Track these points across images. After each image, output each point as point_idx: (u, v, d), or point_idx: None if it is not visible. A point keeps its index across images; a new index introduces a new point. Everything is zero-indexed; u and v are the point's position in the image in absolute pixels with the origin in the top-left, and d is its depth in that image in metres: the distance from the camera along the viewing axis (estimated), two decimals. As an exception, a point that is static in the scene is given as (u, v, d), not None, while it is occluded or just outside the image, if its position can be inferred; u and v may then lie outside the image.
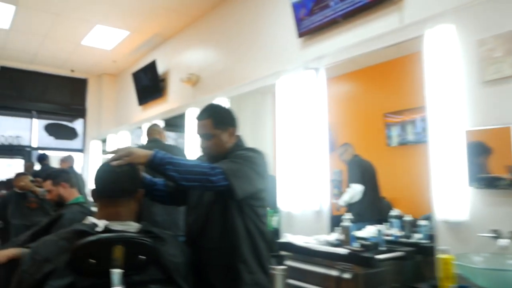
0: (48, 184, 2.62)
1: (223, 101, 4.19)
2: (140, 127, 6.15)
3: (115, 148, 1.43)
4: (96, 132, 7.83)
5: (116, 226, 1.33)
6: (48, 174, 2.70)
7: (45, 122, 7.77)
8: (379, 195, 3.41)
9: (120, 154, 1.41)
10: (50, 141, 7.75)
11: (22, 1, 4.92)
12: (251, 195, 1.59)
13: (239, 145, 1.75)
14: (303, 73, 3.21)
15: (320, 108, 3.11)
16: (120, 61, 7.14)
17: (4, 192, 5.97)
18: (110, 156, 1.42)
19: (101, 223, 1.31)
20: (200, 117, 1.71)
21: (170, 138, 5.72)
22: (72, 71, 7.66)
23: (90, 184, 6.48)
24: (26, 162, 6.93)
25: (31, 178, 4.52)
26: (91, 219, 1.36)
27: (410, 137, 3.39)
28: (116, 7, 5.11)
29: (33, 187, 4.33)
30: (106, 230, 1.30)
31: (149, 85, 6.19)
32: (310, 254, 2.43)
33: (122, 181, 1.39)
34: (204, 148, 1.70)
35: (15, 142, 7.54)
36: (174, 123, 5.42)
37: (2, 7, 5.06)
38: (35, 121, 7.68)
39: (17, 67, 7.24)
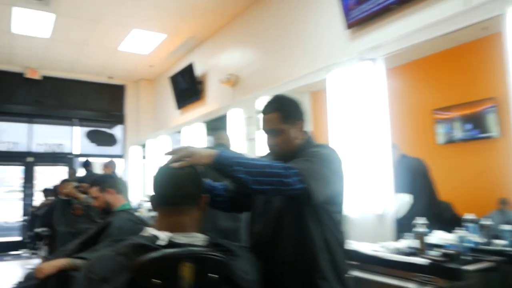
0: (94, 190, 2.48)
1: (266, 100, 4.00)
2: (179, 131, 6.05)
3: (174, 148, 1.24)
4: (135, 137, 7.83)
5: (181, 238, 1.13)
6: (94, 180, 2.57)
7: (85, 129, 7.87)
8: (436, 197, 3.10)
9: (181, 154, 1.22)
10: (91, 147, 7.82)
11: (61, 9, 4.93)
12: (329, 199, 1.36)
13: (309, 142, 1.53)
14: (358, 65, 2.96)
15: (380, 100, 2.85)
16: (157, 66, 7.10)
17: (50, 199, 6.02)
18: (169, 157, 1.23)
19: (164, 235, 1.12)
20: (266, 111, 1.49)
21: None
22: (110, 77, 7.71)
23: (132, 190, 6.45)
24: (69, 169, 7.00)
25: (75, 184, 4.48)
26: (151, 230, 1.17)
27: (460, 134, 3.24)
28: (152, 10, 5.03)
29: (76, 194, 4.27)
30: (170, 243, 1.11)
31: (187, 88, 6.09)
32: (381, 263, 2.18)
33: (184, 186, 1.19)
34: (271, 146, 1.49)
35: (57, 150, 7.66)
36: (214, 126, 5.28)
37: (43, 16, 5.09)
38: (76, 128, 7.77)
39: (58, 76, 7.36)
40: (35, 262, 5.94)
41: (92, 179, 2.63)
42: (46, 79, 7.23)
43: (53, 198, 5.85)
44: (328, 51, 3.58)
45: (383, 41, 2.95)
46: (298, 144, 1.48)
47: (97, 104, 7.85)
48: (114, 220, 2.34)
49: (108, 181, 2.50)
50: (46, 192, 6.61)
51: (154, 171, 1.27)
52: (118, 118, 7.96)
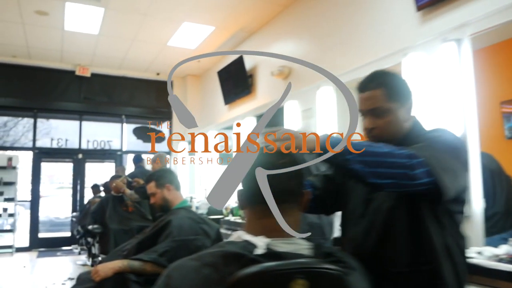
0: (151, 186, 2.31)
1: (331, 91, 3.72)
2: (228, 127, 5.87)
3: (270, 130, 0.98)
4: (182, 134, 7.73)
5: (282, 246, 0.89)
6: (151, 174, 2.40)
7: (133, 126, 7.87)
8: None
9: (278, 138, 0.97)
10: (139, 144, 7.83)
11: (111, 3, 4.85)
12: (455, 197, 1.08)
13: (418, 126, 1.25)
14: (440, 48, 2.61)
15: (466, 86, 2.49)
16: (204, 61, 6.95)
17: (99, 196, 6.02)
18: (264, 141, 0.98)
19: (261, 242, 0.88)
20: (366, 87, 1.21)
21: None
22: (158, 74, 7.67)
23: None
24: (117, 165, 7.02)
25: (129, 179, 4.38)
26: (242, 235, 0.93)
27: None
28: (202, 2, 4.86)
29: (124, 187, 4.16)
30: (270, 252, 0.87)
31: (236, 82, 5.88)
32: (480, 273, 1.85)
33: (286, 179, 0.92)
34: (370, 130, 1.21)
35: (106, 147, 7.72)
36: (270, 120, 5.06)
37: (91, 11, 5.04)
38: (125, 125, 7.80)
39: (107, 73, 7.38)
40: (85, 258, 5.99)
41: (150, 174, 2.45)
42: (95, 76, 7.27)
43: (102, 194, 5.84)
44: (396, 36, 3.26)
45: (464, 21, 2.60)
46: (407, 129, 1.21)
47: (144, 100, 7.83)
48: (173, 218, 2.15)
49: (166, 176, 2.32)
50: (95, 188, 6.66)
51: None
52: (165, 114, 7.91)
